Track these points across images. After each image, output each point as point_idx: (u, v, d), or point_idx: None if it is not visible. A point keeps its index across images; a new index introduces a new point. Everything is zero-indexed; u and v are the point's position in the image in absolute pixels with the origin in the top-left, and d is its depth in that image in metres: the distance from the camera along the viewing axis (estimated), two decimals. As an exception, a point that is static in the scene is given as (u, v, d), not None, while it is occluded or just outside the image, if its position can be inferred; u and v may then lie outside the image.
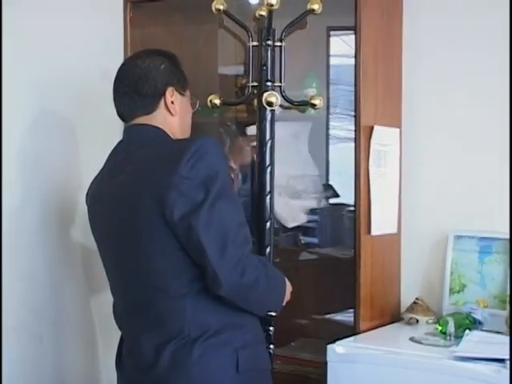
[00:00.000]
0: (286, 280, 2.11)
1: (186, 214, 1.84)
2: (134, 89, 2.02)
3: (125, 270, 2.02)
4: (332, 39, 3.04)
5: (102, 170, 2.14)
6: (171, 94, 2.04)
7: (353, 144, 2.53)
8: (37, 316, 2.55)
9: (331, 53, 3.06)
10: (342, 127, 3.05)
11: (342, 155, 3.10)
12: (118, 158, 2.06)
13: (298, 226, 3.03)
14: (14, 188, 2.48)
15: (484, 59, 2.65)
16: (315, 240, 3.10)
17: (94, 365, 2.78)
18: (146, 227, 1.91)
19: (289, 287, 2.12)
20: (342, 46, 3.05)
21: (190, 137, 2.13)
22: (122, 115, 2.09)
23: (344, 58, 3.08)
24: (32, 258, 2.53)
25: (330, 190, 3.06)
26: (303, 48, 2.54)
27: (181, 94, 2.07)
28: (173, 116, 2.04)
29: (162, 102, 2.03)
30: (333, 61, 3.07)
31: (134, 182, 1.95)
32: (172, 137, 2.05)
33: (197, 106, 2.20)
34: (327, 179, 3.09)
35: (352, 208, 2.58)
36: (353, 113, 2.53)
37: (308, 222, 3.03)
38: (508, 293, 2.48)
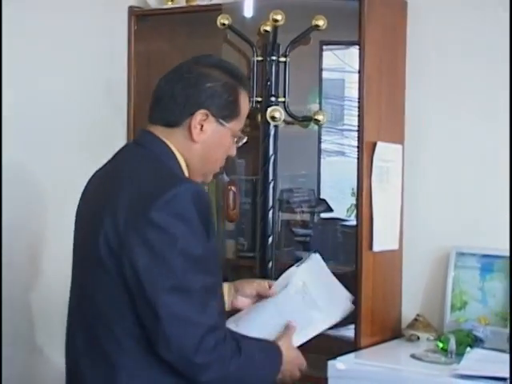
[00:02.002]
0: (287, 353, 1.92)
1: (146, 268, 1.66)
2: (171, 92, 1.80)
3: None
4: (325, 53, 3.03)
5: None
6: (203, 118, 1.79)
7: (344, 158, 2.55)
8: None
9: (323, 67, 3.05)
10: (332, 141, 3.05)
11: (332, 169, 3.10)
12: (114, 160, 1.88)
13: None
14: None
15: (487, 75, 2.65)
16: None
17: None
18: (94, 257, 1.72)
19: (294, 359, 1.95)
20: (334, 60, 3.06)
21: (173, 179, 1.74)
22: (150, 109, 1.86)
23: (335, 72, 3.09)
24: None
25: (323, 204, 3.06)
26: (297, 62, 2.55)
27: (219, 123, 1.81)
28: (194, 142, 1.80)
29: (188, 122, 1.79)
30: (325, 75, 3.06)
31: (102, 199, 1.76)
32: (186, 165, 1.82)
33: (243, 141, 1.92)
34: (319, 193, 3.07)
35: (345, 223, 2.56)
36: (344, 127, 2.54)
37: (301, 236, 3.00)
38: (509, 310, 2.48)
